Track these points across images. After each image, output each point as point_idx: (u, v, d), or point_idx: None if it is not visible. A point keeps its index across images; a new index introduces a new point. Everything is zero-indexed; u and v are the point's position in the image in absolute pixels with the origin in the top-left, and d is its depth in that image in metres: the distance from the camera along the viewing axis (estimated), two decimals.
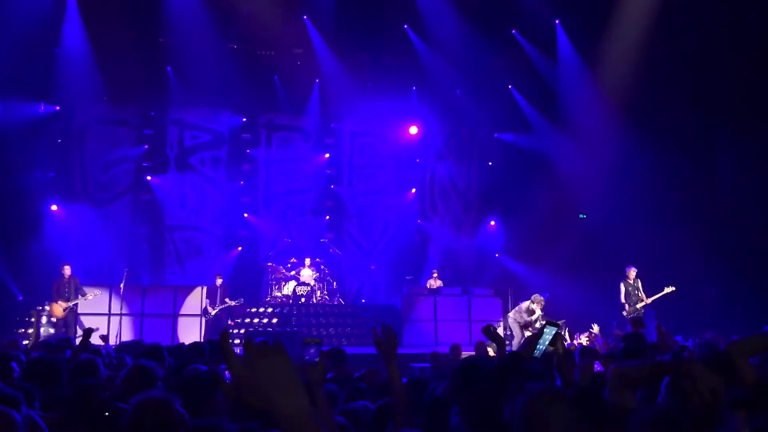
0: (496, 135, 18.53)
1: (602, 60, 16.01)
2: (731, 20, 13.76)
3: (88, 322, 13.53)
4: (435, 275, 16.37)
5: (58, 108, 16.30)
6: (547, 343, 3.26)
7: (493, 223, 18.80)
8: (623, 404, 2.39)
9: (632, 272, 12.77)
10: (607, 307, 13.12)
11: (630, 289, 12.72)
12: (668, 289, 12.39)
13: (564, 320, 12.05)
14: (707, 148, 15.80)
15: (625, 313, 12.52)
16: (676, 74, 14.94)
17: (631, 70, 15.11)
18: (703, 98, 14.69)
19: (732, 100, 14.50)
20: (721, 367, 2.54)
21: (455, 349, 9.30)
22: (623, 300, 12.74)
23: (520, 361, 3.06)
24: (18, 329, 14.01)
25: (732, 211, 14.92)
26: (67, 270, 13.20)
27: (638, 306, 12.56)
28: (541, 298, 12.38)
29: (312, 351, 2.81)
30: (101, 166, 17.23)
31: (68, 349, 6.58)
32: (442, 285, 16.09)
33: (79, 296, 13.12)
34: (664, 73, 14.99)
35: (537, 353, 3.24)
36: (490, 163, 18.78)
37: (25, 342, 11.16)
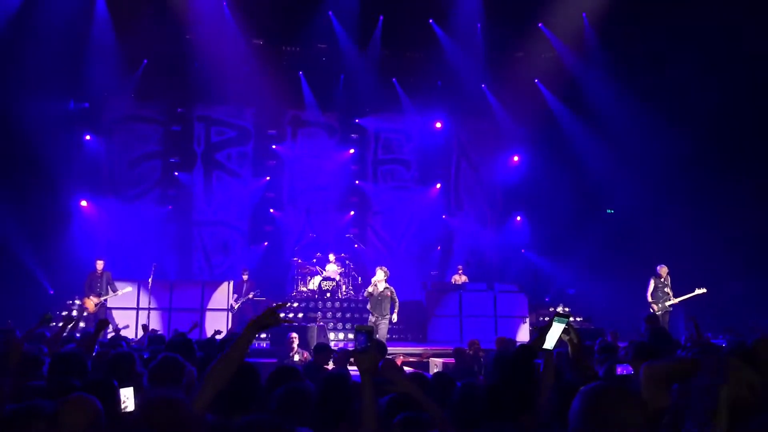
0: (521, 129, 18.38)
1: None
2: None
3: (117, 316, 13.77)
4: (460, 271, 16.32)
5: (87, 105, 16.56)
6: (557, 335, 3.20)
7: (518, 218, 18.70)
8: (657, 402, 2.36)
9: (664, 270, 12.55)
10: (634, 304, 12.95)
11: (660, 286, 12.52)
12: (699, 291, 12.14)
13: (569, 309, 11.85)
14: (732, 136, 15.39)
15: (653, 311, 12.31)
16: (697, 67, 14.54)
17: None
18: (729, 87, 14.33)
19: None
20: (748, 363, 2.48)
21: (473, 345, 9.38)
22: (649, 297, 12.53)
23: (533, 354, 3.02)
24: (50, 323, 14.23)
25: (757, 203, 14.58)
26: (100, 264, 13.30)
27: (667, 304, 12.37)
28: (384, 268, 12.09)
29: (361, 339, 2.75)
30: (129, 163, 17.48)
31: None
32: (467, 280, 16.04)
33: (111, 291, 13.26)
34: (687, 67, 14.63)
35: (549, 345, 3.18)
36: (516, 159, 18.64)
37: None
